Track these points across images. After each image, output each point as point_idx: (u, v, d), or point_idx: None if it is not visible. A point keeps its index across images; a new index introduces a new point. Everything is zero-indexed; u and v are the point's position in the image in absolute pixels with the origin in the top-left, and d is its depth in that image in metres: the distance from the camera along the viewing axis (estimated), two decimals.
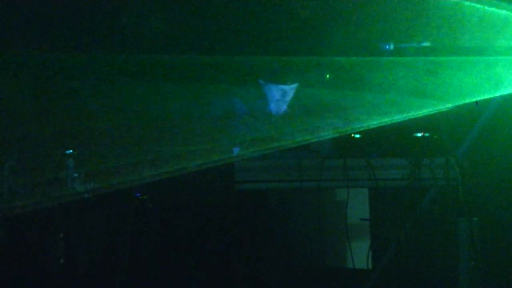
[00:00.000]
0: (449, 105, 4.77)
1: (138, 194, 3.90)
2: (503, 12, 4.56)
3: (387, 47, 4.77)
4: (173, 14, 5.05)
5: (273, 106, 4.65)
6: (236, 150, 3.83)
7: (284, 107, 4.66)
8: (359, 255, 3.94)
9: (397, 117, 4.72)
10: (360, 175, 3.74)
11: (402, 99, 5.17)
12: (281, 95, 4.62)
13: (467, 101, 4.56)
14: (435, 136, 3.80)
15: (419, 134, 3.80)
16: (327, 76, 5.01)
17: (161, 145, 3.77)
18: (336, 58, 5.08)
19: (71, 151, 3.99)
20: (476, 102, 4.60)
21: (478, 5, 4.59)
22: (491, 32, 4.62)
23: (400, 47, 4.78)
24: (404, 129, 3.85)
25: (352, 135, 3.79)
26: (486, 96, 4.45)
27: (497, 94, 4.35)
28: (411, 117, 4.97)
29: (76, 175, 4.01)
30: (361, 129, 4.03)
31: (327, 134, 4.27)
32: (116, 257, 4.07)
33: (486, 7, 4.59)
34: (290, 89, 4.62)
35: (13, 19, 4.85)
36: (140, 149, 3.88)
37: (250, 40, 5.05)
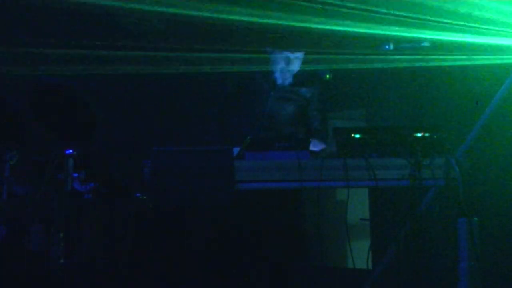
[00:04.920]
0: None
1: (138, 194, 3.90)
2: None
3: (387, 47, 4.77)
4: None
5: (278, 76, 4.62)
6: (236, 150, 3.82)
7: (289, 77, 4.61)
8: (359, 255, 3.94)
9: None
10: (360, 175, 3.73)
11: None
12: (285, 63, 4.58)
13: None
14: (435, 136, 3.80)
15: (419, 134, 3.80)
16: (327, 76, 5.01)
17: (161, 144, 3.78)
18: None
19: (71, 151, 3.99)
20: (476, 102, 4.60)
21: None
22: None
23: (400, 47, 4.78)
24: (404, 129, 3.85)
25: (352, 135, 3.78)
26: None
27: (497, 94, 4.35)
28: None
29: (76, 175, 4.01)
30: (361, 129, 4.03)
31: None
32: (116, 257, 4.07)
33: None
34: (295, 57, 4.58)
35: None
36: (140, 148, 3.88)
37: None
